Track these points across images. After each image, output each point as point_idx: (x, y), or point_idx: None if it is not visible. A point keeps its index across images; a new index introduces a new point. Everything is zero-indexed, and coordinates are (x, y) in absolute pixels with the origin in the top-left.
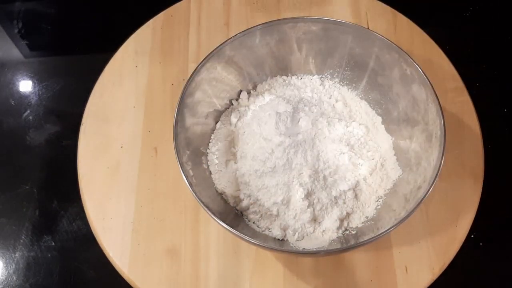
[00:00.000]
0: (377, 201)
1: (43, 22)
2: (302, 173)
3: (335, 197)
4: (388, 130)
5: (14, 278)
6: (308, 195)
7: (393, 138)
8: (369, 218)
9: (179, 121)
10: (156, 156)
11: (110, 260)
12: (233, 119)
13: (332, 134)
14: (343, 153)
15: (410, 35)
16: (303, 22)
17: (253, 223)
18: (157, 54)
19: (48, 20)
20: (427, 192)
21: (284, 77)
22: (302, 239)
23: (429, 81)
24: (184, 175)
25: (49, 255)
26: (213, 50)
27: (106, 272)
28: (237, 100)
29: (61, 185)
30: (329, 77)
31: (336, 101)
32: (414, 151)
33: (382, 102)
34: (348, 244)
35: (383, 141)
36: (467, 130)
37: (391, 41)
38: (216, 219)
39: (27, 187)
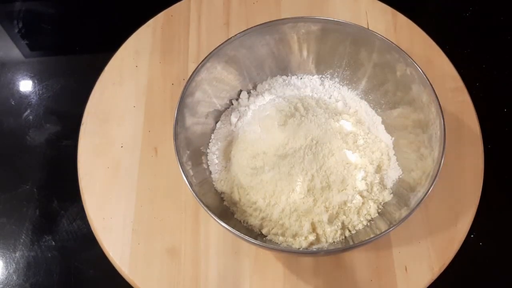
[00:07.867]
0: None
1: (43, 22)
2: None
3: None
4: (388, 130)
5: (14, 277)
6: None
7: (393, 138)
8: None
9: (179, 121)
10: (156, 156)
11: (110, 260)
12: (233, 119)
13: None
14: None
15: (410, 35)
16: (303, 22)
17: None
18: (157, 54)
19: (48, 20)
20: (427, 192)
21: (284, 77)
22: None
23: (429, 81)
24: (184, 175)
25: (49, 255)
26: (213, 50)
27: (106, 272)
28: (237, 100)
29: (61, 185)
30: (329, 77)
31: (336, 101)
32: (414, 151)
33: (382, 102)
34: (348, 244)
35: (383, 141)
36: (467, 130)
37: (391, 41)
38: (216, 219)
39: (27, 187)
